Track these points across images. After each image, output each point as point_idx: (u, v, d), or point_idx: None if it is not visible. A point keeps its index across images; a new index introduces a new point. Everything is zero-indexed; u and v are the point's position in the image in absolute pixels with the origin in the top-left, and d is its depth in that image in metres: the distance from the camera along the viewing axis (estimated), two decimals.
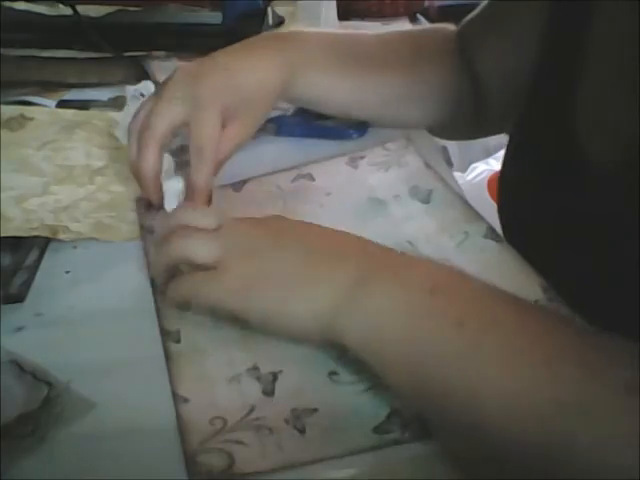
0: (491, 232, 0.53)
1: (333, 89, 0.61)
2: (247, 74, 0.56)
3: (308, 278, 0.41)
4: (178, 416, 0.40)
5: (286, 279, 0.42)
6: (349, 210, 0.57)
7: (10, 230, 0.54)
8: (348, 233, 0.44)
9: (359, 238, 0.44)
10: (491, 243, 0.52)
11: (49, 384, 0.42)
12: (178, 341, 0.45)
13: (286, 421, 0.39)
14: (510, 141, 0.58)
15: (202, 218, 0.47)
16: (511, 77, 0.60)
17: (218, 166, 0.55)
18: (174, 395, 0.41)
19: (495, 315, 0.38)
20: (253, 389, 0.42)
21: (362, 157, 0.63)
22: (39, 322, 0.48)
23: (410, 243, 0.53)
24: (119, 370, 0.44)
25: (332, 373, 0.42)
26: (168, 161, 0.56)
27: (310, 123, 0.68)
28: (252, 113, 0.56)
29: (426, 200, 0.57)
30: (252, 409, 0.40)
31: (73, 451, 0.39)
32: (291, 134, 0.68)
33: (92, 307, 0.49)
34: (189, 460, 0.37)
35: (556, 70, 0.51)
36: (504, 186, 0.58)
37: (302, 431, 0.39)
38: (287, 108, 0.71)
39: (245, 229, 0.46)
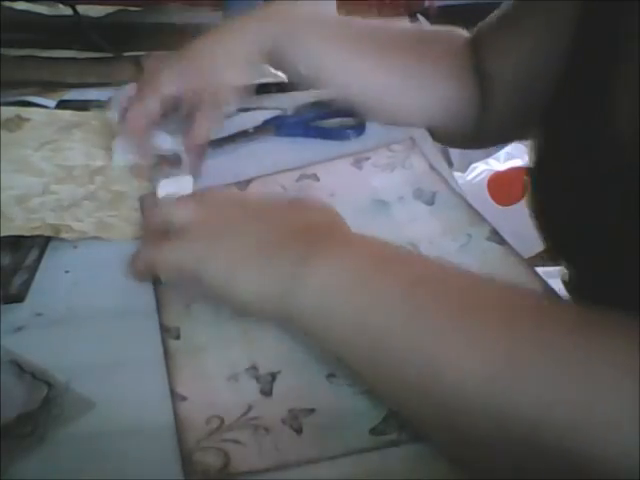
0: (494, 234, 0.53)
1: (331, 61, 0.61)
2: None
3: (256, 259, 0.42)
4: (175, 414, 0.40)
5: (237, 255, 0.43)
6: (352, 211, 0.56)
7: (12, 229, 0.54)
8: (316, 216, 0.46)
9: (323, 220, 0.45)
10: (494, 246, 0.52)
11: (49, 384, 0.42)
12: (177, 338, 0.45)
13: (283, 421, 0.39)
14: (540, 141, 0.56)
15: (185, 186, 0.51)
16: (524, 78, 0.59)
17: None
18: (172, 393, 0.41)
19: (448, 280, 0.38)
20: (251, 389, 0.42)
21: (367, 158, 0.63)
22: (39, 322, 0.48)
23: (413, 245, 0.53)
24: (119, 370, 0.44)
25: (330, 375, 0.42)
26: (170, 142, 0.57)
27: (309, 123, 0.68)
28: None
29: (430, 202, 0.57)
30: (249, 408, 0.40)
31: (73, 451, 0.39)
32: (290, 134, 0.68)
33: (92, 307, 0.49)
34: (185, 459, 0.37)
35: (592, 62, 0.49)
36: (538, 188, 0.57)
37: (299, 431, 0.39)
38: (286, 108, 0.71)
39: (220, 201, 0.48)
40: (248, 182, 0.61)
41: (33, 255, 0.53)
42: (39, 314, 0.49)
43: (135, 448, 0.39)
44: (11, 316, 0.48)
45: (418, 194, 0.58)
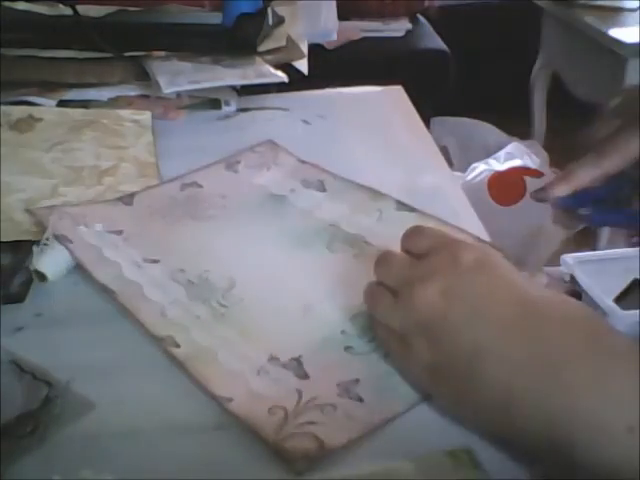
0: (401, 205, 0.57)
1: None
2: None
3: (603, 370, 0.36)
4: (234, 415, 0.39)
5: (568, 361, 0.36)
6: (253, 207, 0.59)
7: (19, 234, 0.54)
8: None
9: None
10: (406, 214, 0.56)
11: (49, 384, 0.42)
12: (177, 346, 0.45)
13: (339, 395, 0.41)
14: None
15: None
16: None
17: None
18: (216, 397, 0.41)
19: None
20: (286, 375, 0.42)
21: (237, 162, 0.65)
22: (39, 322, 0.48)
23: (334, 225, 0.56)
24: (119, 370, 0.44)
25: (348, 347, 0.44)
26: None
27: (622, 209, 0.58)
28: None
29: (322, 189, 0.60)
30: (300, 393, 0.41)
31: (73, 451, 0.39)
32: (605, 223, 0.63)
33: (92, 307, 0.49)
34: (276, 448, 0.37)
35: None
36: None
37: (361, 400, 0.40)
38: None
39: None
40: (131, 196, 0.60)
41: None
42: (39, 314, 0.49)
43: (135, 449, 0.39)
44: (11, 316, 0.48)
45: (307, 184, 0.61)
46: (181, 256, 0.53)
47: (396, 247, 0.48)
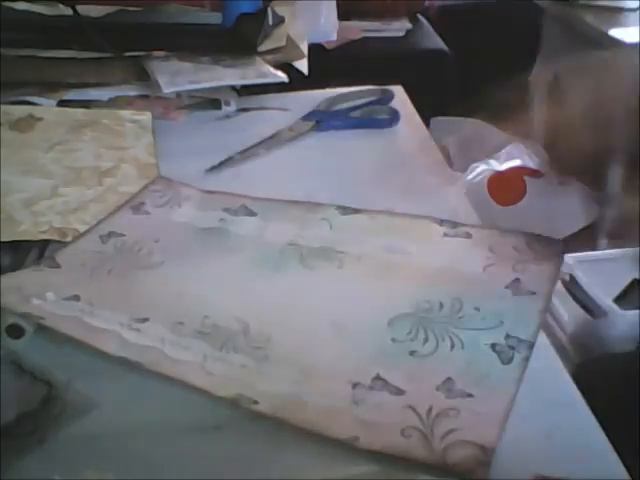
0: (343, 209, 0.57)
1: None
2: None
3: None
4: (371, 451, 0.38)
5: None
6: (194, 245, 0.55)
7: (19, 234, 0.54)
8: None
9: None
10: (354, 216, 0.56)
11: (49, 384, 0.42)
12: (255, 402, 0.41)
13: (449, 397, 0.40)
14: None
15: None
16: None
17: None
18: (342, 441, 0.39)
19: None
20: (383, 397, 0.41)
21: (142, 203, 0.60)
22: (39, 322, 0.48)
23: (292, 245, 0.54)
24: (119, 370, 0.44)
25: (412, 352, 0.44)
26: None
27: (346, 115, 0.69)
28: None
29: (251, 213, 0.58)
30: (413, 409, 0.40)
31: (73, 451, 0.39)
32: (330, 128, 0.70)
33: None
34: (444, 466, 0.37)
35: None
36: None
37: (471, 395, 0.41)
38: (319, 104, 0.73)
39: None
40: (51, 258, 0.53)
41: (33, 255, 0.53)
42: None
43: (136, 449, 0.39)
44: None
45: (233, 212, 0.58)
46: (166, 308, 0.48)
47: (373, 249, 0.50)
